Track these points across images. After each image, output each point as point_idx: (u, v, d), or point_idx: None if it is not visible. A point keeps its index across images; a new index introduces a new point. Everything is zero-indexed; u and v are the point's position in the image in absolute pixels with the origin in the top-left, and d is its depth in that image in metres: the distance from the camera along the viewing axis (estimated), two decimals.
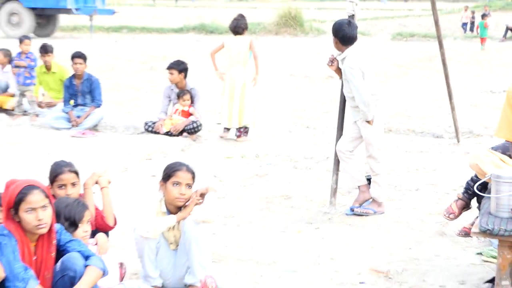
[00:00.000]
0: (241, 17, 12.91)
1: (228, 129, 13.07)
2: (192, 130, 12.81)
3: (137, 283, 6.04)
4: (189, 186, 6.38)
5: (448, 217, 7.08)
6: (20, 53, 14.64)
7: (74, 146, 12.15)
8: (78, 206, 5.84)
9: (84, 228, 5.83)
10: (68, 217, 5.75)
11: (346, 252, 7.53)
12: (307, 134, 13.54)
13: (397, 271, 7.00)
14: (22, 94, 14.50)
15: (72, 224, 5.75)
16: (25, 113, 14.57)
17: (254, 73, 12.90)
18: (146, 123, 13.25)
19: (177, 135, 12.81)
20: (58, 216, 5.62)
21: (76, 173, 6.33)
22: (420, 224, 8.45)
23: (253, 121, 13.05)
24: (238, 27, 12.75)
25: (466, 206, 7.04)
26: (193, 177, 6.42)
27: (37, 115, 14.40)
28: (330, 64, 8.71)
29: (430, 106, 16.21)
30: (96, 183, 6.53)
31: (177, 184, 6.32)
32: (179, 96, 12.90)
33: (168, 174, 6.37)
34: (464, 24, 37.60)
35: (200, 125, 12.86)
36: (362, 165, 8.96)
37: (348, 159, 8.80)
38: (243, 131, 13.02)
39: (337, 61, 8.68)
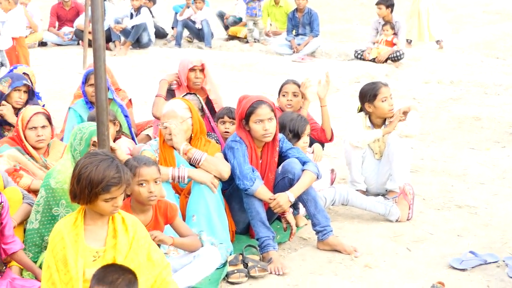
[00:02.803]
0: None
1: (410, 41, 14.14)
2: (395, 58, 12.55)
3: (345, 187, 6.00)
4: (391, 98, 6.24)
5: None
6: None
7: (294, 69, 12.20)
8: (301, 120, 5.83)
9: (305, 140, 5.82)
10: (293, 129, 5.75)
11: None
12: (497, 63, 12.94)
13: None
14: (254, 24, 14.65)
15: (295, 135, 5.76)
16: (255, 40, 14.75)
17: None
18: (356, 51, 13.15)
19: (382, 62, 12.59)
20: (283, 127, 5.66)
21: (298, 85, 6.34)
22: None
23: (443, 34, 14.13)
24: None
25: None
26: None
27: (264, 42, 14.56)
28: None
29: None
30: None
31: (385, 100, 6.19)
32: (385, 28, 12.64)
33: (374, 94, 6.22)
34: None
35: (403, 54, 12.57)
36: None
37: None
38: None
39: None
